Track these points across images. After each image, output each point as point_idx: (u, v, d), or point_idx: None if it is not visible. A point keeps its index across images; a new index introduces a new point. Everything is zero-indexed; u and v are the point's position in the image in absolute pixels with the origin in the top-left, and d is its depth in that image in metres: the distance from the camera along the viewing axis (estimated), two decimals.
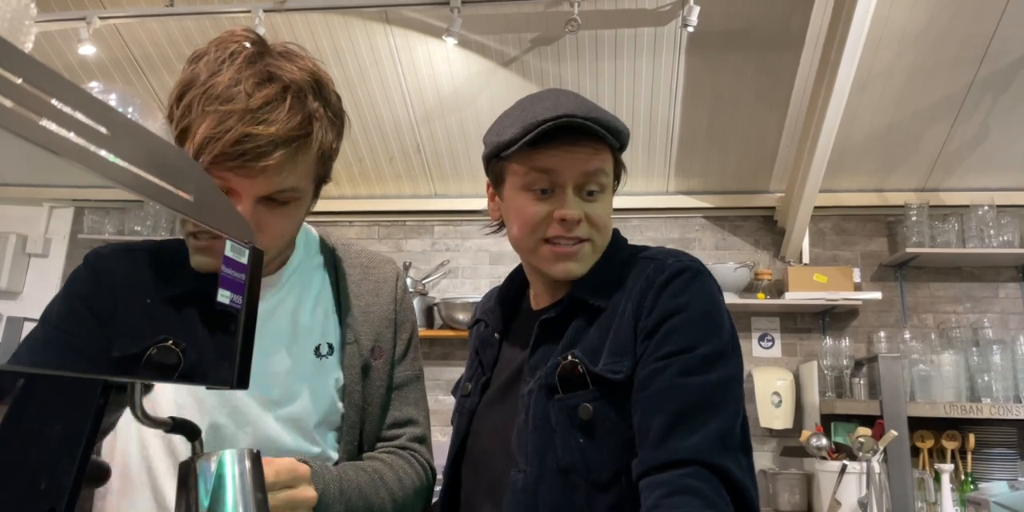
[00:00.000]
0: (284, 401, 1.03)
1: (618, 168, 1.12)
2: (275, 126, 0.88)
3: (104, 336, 0.75)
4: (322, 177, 1.02)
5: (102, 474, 0.67)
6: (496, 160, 1.11)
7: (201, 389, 1.00)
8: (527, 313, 1.19)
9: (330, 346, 1.08)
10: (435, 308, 3.72)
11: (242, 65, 0.90)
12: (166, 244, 1.11)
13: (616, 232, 1.16)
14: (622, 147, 1.10)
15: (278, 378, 1.03)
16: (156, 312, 0.72)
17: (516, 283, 1.23)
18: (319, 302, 1.11)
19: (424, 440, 1.18)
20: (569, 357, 1.02)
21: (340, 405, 1.08)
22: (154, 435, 1.01)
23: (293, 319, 1.07)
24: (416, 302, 3.61)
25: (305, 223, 1.12)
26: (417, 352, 1.21)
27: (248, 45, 0.93)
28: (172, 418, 0.66)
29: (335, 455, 1.08)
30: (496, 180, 1.14)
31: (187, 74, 0.93)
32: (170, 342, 0.61)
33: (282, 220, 0.97)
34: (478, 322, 1.26)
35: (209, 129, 0.86)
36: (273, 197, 0.93)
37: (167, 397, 1.01)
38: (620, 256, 1.11)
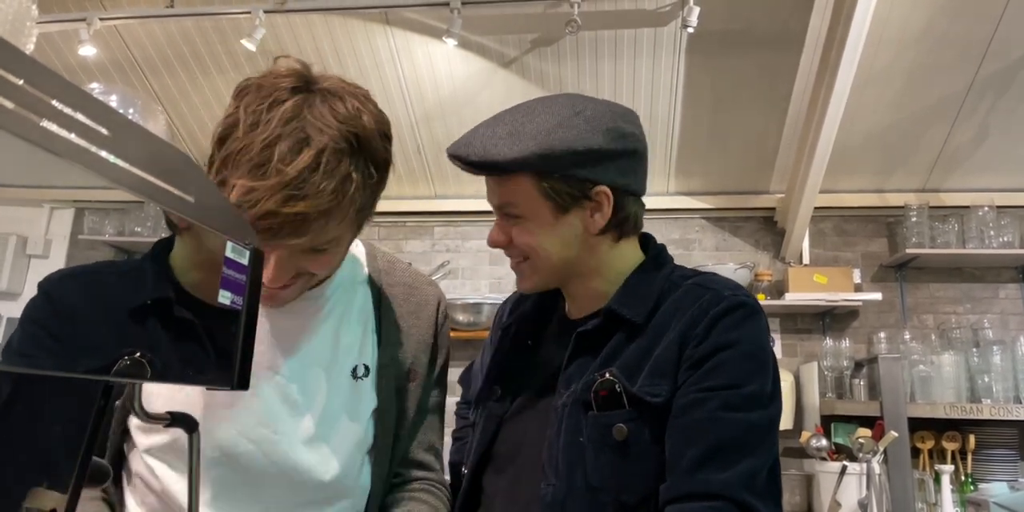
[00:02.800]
0: (318, 424, 1.01)
1: (551, 188, 1.04)
2: (302, 203, 0.84)
3: (68, 355, 0.74)
4: (363, 220, 1.00)
5: (103, 475, 0.67)
6: None
7: (235, 406, 0.99)
8: (562, 322, 1.18)
9: (366, 368, 1.07)
10: None
11: (279, 122, 0.86)
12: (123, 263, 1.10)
13: (663, 248, 1.16)
14: (542, 172, 1.03)
15: (314, 400, 1.02)
16: (128, 325, 0.70)
17: (553, 290, 1.20)
18: (359, 320, 1.09)
19: (444, 471, 1.19)
20: (607, 375, 1.01)
21: (373, 429, 1.06)
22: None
23: (334, 337, 1.06)
24: None
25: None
26: (446, 378, 1.20)
27: (291, 92, 0.89)
28: (170, 412, 0.66)
29: (366, 481, 1.06)
30: None
31: (229, 114, 0.90)
32: (137, 354, 0.59)
33: (321, 260, 0.96)
34: (510, 326, 1.22)
35: (239, 196, 0.84)
36: (315, 248, 0.92)
37: (207, 415, 0.98)
38: (663, 274, 1.10)
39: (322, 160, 0.86)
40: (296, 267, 0.93)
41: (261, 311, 1.03)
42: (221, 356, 0.62)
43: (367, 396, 1.06)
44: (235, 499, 0.98)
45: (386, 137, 0.97)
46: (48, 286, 0.93)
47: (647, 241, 1.17)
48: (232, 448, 0.98)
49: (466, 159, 1.05)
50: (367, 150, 0.92)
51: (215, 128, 0.92)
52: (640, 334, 1.04)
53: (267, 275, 0.90)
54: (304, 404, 1.02)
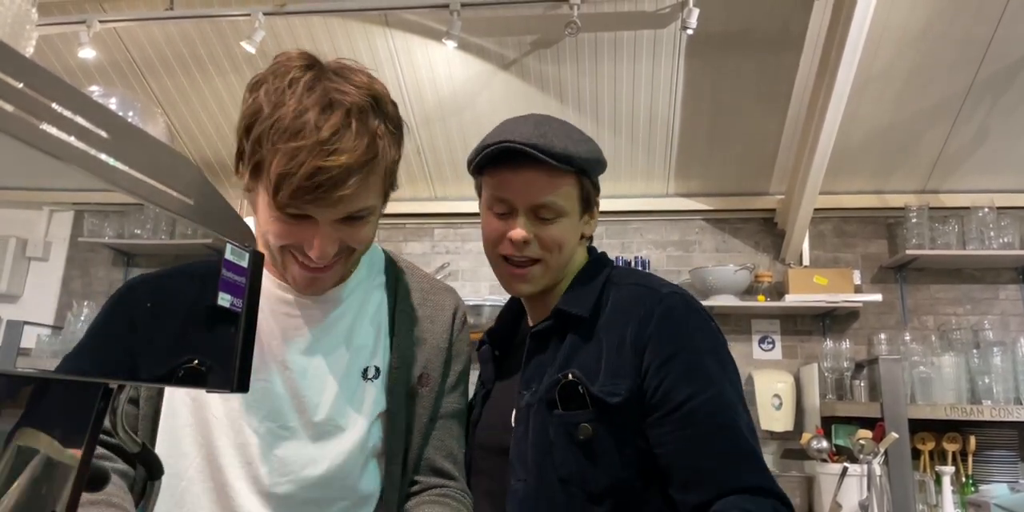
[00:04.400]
0: (323, 421, 1.04)
1: (586, 191, 1.16)
2: (345, 155, 0.91)
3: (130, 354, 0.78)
4: (389, 190, 1.05)
5: (102, 478, 0.67)
6: (474, 174, 1.20)
7: (244, 398, 1.02)
8: (526, 331, 1.25)
9: (377, 369, 1.08)
10: None
11: (303, 93, 0.92)
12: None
13: (603, 254, 1.25)
14: (584, 171, 1.14)
15: (321, 397, 1.04)
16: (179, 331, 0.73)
17: (516, 304, 1.30)
18: (374, 322, 1.11)
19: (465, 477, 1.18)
20: (570, 376, 1.07)
21: (381, 431, 1.07)
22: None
23: (348, 337, 1.09)
24: None
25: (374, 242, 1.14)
26: (467, 386, 1.20)
27: (304, 69, 0.95)
28: (144, 446, 0.67)
29: (372, 484, 1.07)
30: (477, 192, 1.23)
31: (249, 105, 0.96)
32: (195, 362, 0.61)
33: (360, 232, 1.01)
34: (482, 344, 1.31)
35: (282, 166, 0.89)
36: (352, 216, 0.98)
37: (216, 405, 1.03)
38: (604, 274, 1.18)
39: (352, 119, 0.93)
40: (338, 240, 0.97)
41: (278, 309, 1.06)
42: (220, 357, 0.62)
43: (376, 398, 1.07)
44: (238, 489, 1.01)
45: (394, 103, 1.04)
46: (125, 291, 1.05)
47: (589, 246, 1.27)
48: (238, 438, 1.01)
49: (549, 149, 1.07)
50: (385, 110, 0.99)
51: (238, 124, 0.98)
52: (591, 333, 1.11)
53: (315, 252, 0.96)
54: (312, 400, 1.04)
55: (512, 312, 1.31)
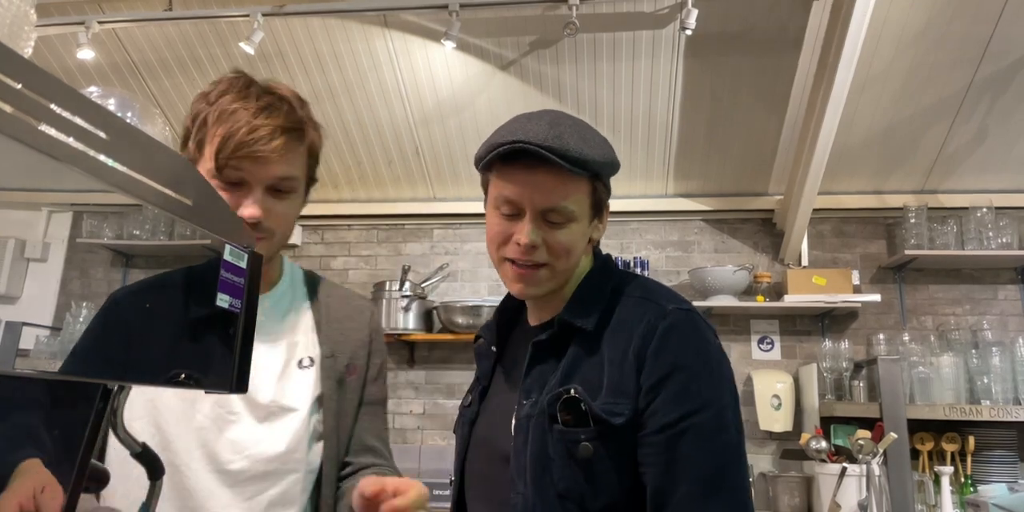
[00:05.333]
0: (272, 405, 1.15)
1: (598, 195, 1.13)
2: (278, 119, 1.09)
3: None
4: (311, 176, 1.20)
5: (102, 478, 0.67)
6: (482, 170, 1.15)
7: (198, 393, 1.10)
8: (523, 327, 1.24)
9: (311, 359, 1.21)
10: (434, 312, 3.72)
11: (242, 88, 1.12)
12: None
13: (608, 258, 1.22)
14: (598, 175, 1.10)
15: (268, 385, 1.15)
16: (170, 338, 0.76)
17: (515, 299, 1.26)
18: (301, 322, 1.25)
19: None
20: (572, 391, 1.04)
21: (320, 413, 1.19)
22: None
23: (279, 334, 1.21)
24: (415, 306, 3.60)
25: (292, 261, 1.31)
26: (386, 382, 1.33)
27: (239, 79, 1.14)
28: (144, 446, 0.68)
29: (316, 459, 1.18)
30: (484, 189, 1.18)
31: (193, 109, 1.13)
32: (183, 376, 0.63)
33: (285, 207, 1.15)
34: (478, 337, 1.31)
35: (227, 129, 1.07)
36: (277, 186, 1.12)
37: (168, 396, 1.12)
38: (611, 283, 1.15)
39: (284, 102, 1.13)
40: (266, 209, 1.11)
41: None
42: (217, 358, 0.62)
43: (312, 383, 1.19)
44: (195, 469, 1.10)
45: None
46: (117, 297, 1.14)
47: (594, 248, 1.24)
48: (191, 424, 1.10)
49: (564, 152, 1.03)
50: (309, 112, 1.18)
51: (185, 119, 1.14)
52: (595, 345, 1.08)
53: (248, 210, 1.10)
54: (255, 386, 1.13)
55: (511, 308, 1.28)
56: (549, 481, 1.04)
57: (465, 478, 1.20)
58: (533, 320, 1.22)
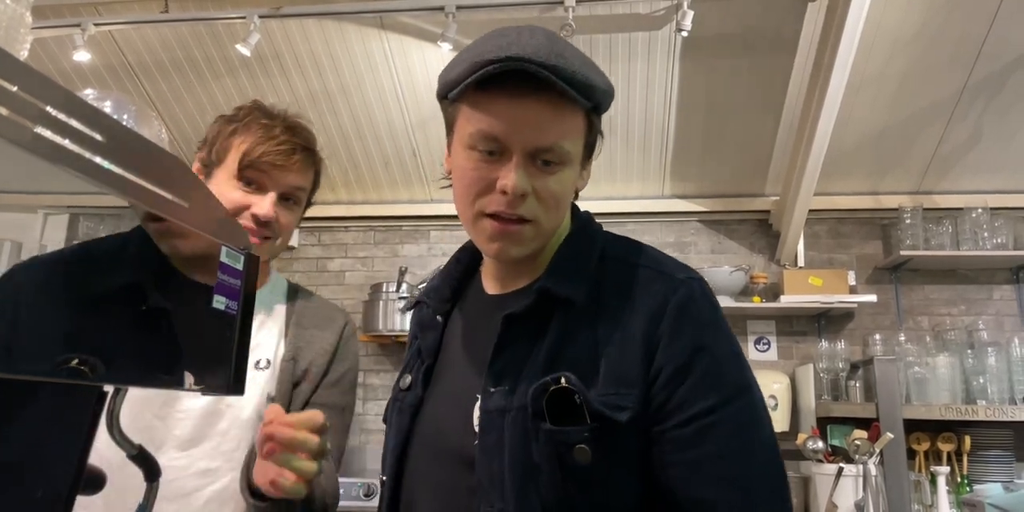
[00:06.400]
0: (218, 402, 1.19)
1: (593, 134, 0.93)
2: (300, 139, 1.26)
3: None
4: (313, 193, 1.33)
5: (98, 481, 0.67)
6: (447, 102, 0.93)
7: (147, 394, 1.15)
8: (479, 295, 1.03)
9: (268, 361, 1.26)
10: None
11: (269, 111, 1.29)
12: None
13: (589, 216, 1.03)
14: (597, 107, 0.91)
15: None
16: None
17: (466, 258, 1.07)
18: (272, 325, 1.30)
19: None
20: (563, 381, 0.83)
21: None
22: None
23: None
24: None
25: (279, 272, 1.40)
26: (349, 391, 1.35)
27: (263, 107, 1.30)
28: (141, 448, 0.68)
29: None
30: (448, 126, 0.95)
31: (216, 125, 1.30)
32: (75, 362, 0.56)
33: (289, 216, 1.27)
34: (418, 304, 1.08)
35: (258, 136, 1.22)
36: (289, 195, 1.25)
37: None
38: (597, 245, 0.98)
39: (306, 128, 1.30)
40: (276, 215, 1.22)
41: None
42: (213, 359, 0.62)
43: (264, 384, 1.24)
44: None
45: None
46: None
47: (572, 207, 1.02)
48: (138, 422, 1.12)
49: (570, 75, 0.82)
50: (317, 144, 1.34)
51: (211, 126, 1.32)
52: (584, 322, 0.89)
53: (262, 209, 1.21)
54: None
55: (460, 269, 1.07)
56: (534, 492, 0.83)
57: (404, 480, 0.97)
58: (492, 288, 1.02)
